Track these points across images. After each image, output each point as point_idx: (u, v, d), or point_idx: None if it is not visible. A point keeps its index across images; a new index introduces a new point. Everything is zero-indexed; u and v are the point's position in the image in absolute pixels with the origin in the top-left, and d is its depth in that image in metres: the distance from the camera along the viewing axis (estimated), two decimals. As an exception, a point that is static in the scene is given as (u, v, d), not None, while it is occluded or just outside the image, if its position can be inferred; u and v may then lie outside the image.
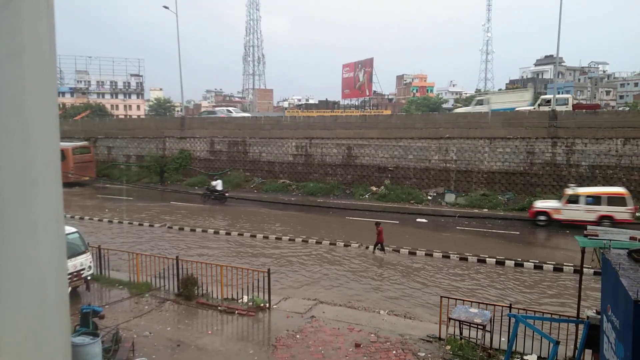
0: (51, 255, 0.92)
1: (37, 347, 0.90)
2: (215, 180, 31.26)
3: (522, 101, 34.91)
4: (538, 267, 16.80)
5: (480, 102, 37.25)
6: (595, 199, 22.28)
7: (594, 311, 8.62)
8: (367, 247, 19.01)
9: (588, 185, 26.46)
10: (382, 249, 18.56)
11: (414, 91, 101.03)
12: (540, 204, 24.02)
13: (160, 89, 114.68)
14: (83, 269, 13.04)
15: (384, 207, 26.99)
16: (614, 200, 22.13)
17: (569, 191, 23.18)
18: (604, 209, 22.05)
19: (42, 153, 0.85)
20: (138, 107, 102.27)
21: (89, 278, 13.36)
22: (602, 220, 21.73)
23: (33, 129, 0.82)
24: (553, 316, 10.12)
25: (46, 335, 0.93)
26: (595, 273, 14.83)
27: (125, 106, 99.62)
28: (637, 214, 22.24)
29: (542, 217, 23.23)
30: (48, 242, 0.90)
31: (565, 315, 10.30)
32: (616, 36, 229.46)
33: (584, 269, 10.69)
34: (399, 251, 18.67)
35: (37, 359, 0.91)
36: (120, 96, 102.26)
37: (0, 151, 0.77)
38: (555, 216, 22.88)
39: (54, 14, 0.88)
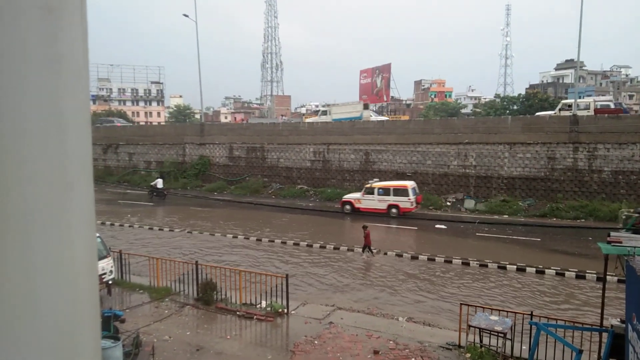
0: (84, 256, 0.95)
1: (69, 347, 0.92)
2: (157, 179, 34.07)
3: (355, 112, 38.82)
4: (560, 274, 16.52)
5: (325, 113, 41.71)
6: (385, 191, 26.19)
7: (619, 320, 8.43)
8: (385, 253, 18.92)
9: (611, 191, 26.08)
10: (371, 251, 18.81)
11: (432, 96, 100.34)
12: (347, 195, 28.21)
13: (180, 96, 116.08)
14: (104, 274, 13.26)
15: (402, 213, 26.81)
16: (399, 191, 25.92)
17: (367, 184, 27.25)
18: (392, 199, 25.91)
19: (77, 157, 0.88)
20: (158, 114, 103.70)
21: (110, 282, 13.58)
22: (390, 208, 25.86)
23: (69, 134, 0.85)
24: (576, 324, 9.92)
25: (78, 336, 0.95)
26: (619, 281, 14.52)
27: (146, 113, 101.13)
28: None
29: (347, 206, 27.19)
30: (81, 244, 0.93)
31: (589, 324, 10.08)
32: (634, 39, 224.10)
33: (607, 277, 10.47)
34: (417, 257, 18.53)
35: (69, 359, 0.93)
36: (141, 103, 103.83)
37: (40, 156, 0.80)
38: (357, 205, 26.86)
39: (87, 23, 0.91)
